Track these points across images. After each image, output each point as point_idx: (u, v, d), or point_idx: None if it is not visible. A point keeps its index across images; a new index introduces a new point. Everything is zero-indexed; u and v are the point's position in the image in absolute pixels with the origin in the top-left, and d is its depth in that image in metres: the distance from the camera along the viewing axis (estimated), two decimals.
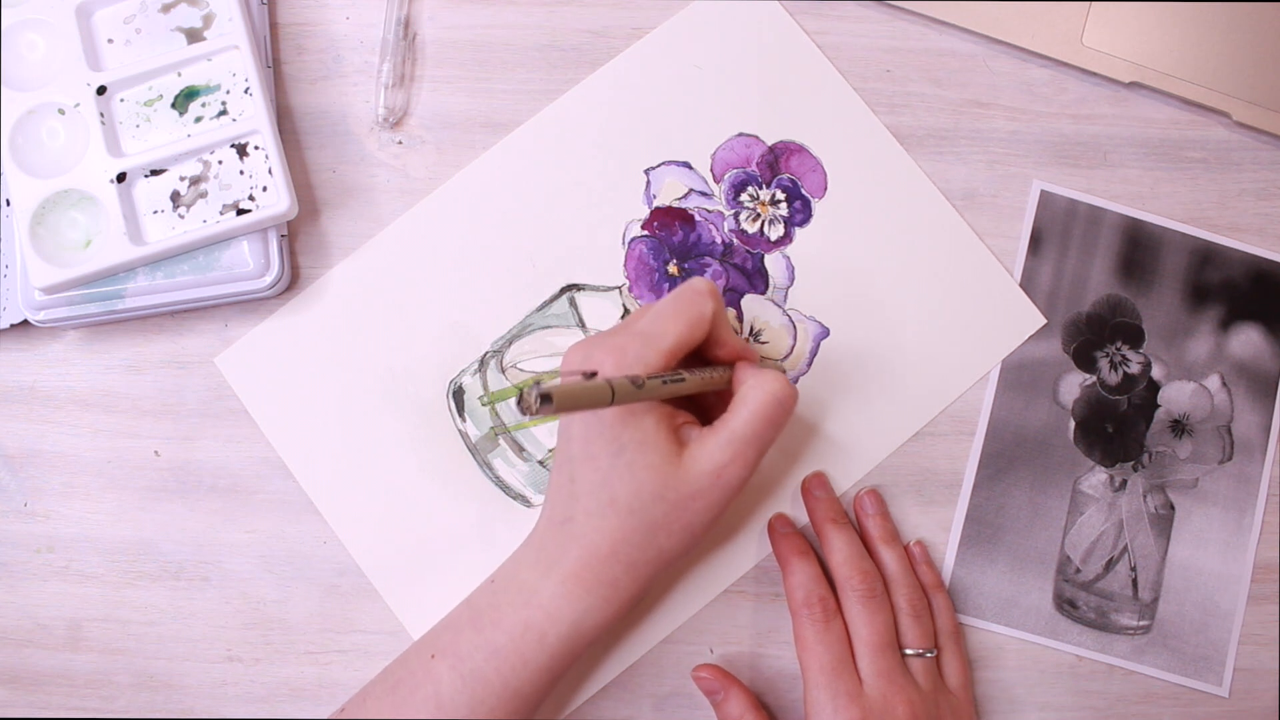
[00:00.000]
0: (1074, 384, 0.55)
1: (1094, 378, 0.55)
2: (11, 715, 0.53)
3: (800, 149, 0.56)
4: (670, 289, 0.55)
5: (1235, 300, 0.56)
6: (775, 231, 0.55)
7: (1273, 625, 0.54)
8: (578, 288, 0.55)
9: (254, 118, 0.53)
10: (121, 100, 0.54)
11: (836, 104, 0.56)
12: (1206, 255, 0.56)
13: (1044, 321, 0.55)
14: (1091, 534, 0.55)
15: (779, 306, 0.55)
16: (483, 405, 0.54)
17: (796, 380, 0.55)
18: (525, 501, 0.54)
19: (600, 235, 0.56)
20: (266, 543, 0.54)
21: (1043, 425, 0.55)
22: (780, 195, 0.56)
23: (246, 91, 0.54)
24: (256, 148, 0.53)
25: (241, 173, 0.53)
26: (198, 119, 0.54)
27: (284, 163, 0.53)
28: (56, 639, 0.54)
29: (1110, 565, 0.54)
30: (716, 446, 0.46)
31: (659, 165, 0.56)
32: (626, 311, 0.55)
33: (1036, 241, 0.56)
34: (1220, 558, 0.55)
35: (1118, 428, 0.55)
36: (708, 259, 0.55)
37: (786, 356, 0.55)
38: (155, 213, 0.53)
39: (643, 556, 0.46)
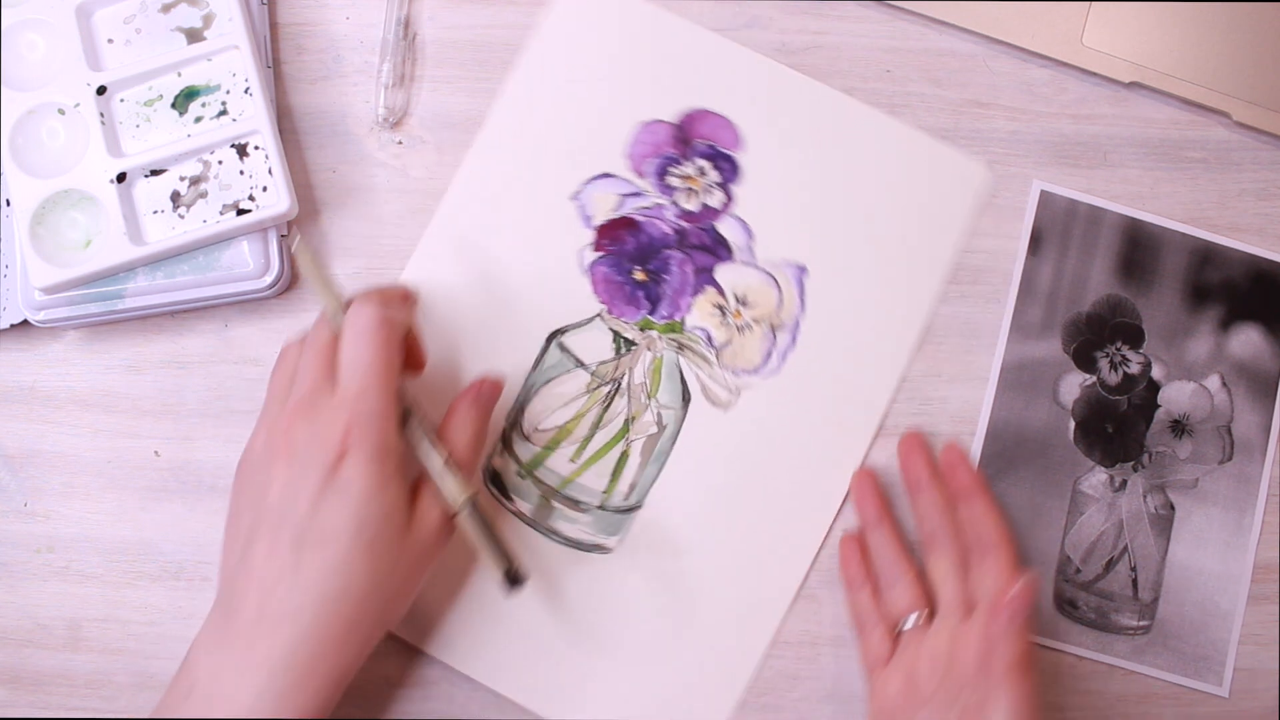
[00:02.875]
0: (1074, 384, 0.55)
1: (1094, 378, 0.55)
2: (11, 715, 0.53)
3: (702, 113, 0.56)
4: (645, 295, 0.54)
5: (1235, 300, 0.56)
6: (714, 199, 0.56)
7: (1273, 625, 0.54)
8: (561, 331, 0.55)
9: (254, 118, 0.53)
10: (121, 100, 0.54)
11: (712, 57, 0.56)
12: (1206, 255, 0.56)
13: (986, 171, 0.56)
14: (1091, 534, 0.55)
15: (751, 265, 0.55)
16: (523, 479, 0.54)
17: (798, 327, 0.55)
18: (602, 550, 0.54)
19: (559, 272, 0.55)
20: None
21: (1043, 425, 0.55)
22: (703, 163, 0.56)
23: (246, 91, 0.54)
24: (256, 148, 0.53)
25: (241, 173, 0.53)
26: (198, 119, 0.54)
27: (284, 163, 0.53)
28: (56, 639, 0.54)
29: (1110, 565, 0.54)
30: (429, 505, 0.46)
31: (581, 188, 0.56)
32: (616, 335, 0.54)
33: (1036, 241, 0.56)
34: (1220, 558, 0.55)
35: (1118, 428, 0.55)
36: (666, 252, 0.55)
37: (780, 308, 0.55)
38: (155, 213, 0.53)
39: (361, 635, 0.45)
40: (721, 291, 0.55)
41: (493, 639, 0.53)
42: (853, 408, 0.55)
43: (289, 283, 0.55)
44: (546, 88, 0.56)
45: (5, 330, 0.54)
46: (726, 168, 0.56)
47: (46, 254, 0.52)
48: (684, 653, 0.53)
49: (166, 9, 0.55)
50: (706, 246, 0.55)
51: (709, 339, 0.55)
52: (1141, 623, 0.54)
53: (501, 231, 0.55)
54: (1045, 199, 0.56)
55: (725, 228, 0.55)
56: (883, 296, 0.55)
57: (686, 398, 0.54)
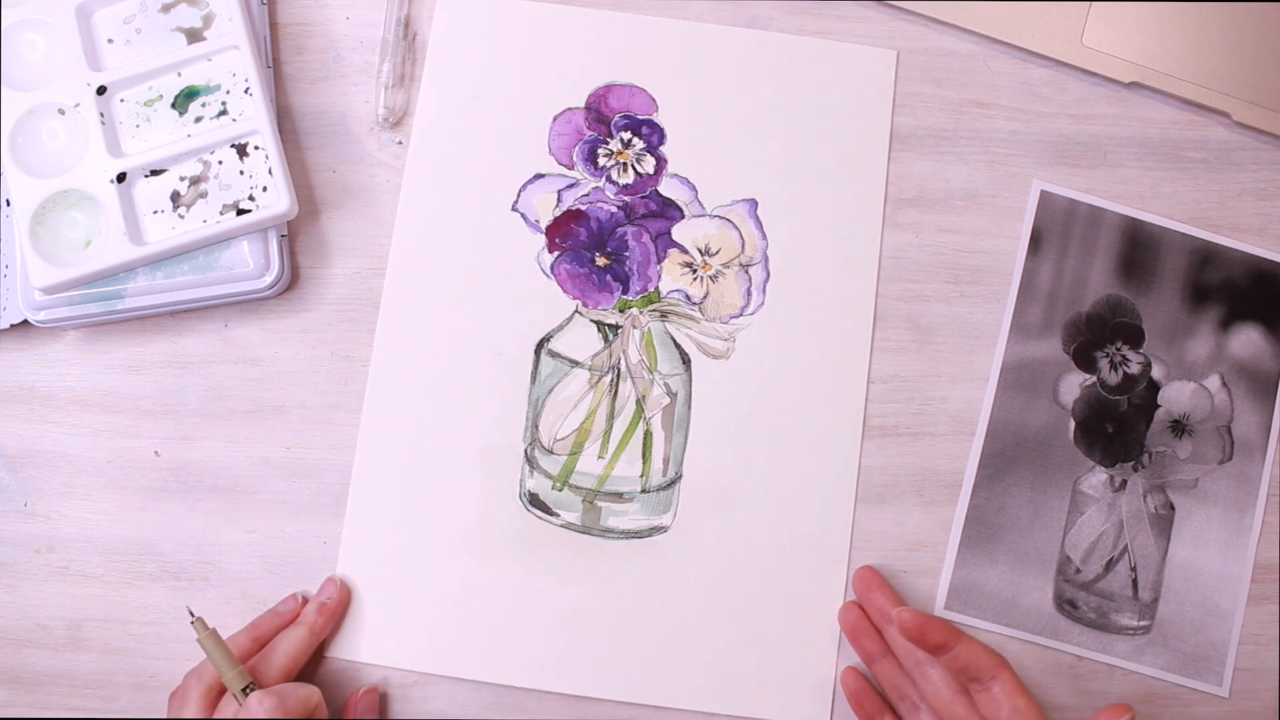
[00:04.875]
0: (1074, 384, 0.55)
1: (1094, 378, 0.55)
2: (11, 715, 0.53)
3: (609, 88, 0.57)
4: (613, 278, 0.55)
5: (1235, 300, 0.56)
6: (647, 165, 0.56)
7: (1273, 625, 0.54)
8: (546, 339, 0.55)
9: (254, 118, 0.53)
10: (121, 100, 0.54)
11: (602, 32, 0.57)
12: (1206, 255, 0.56)
13: (894, 51, 0.57)
14: (1091, 534, 0.55)
15: (704, 215, 0.56)
16: (560, 491, 0.54)
17: (766, 257, 0.55)
18: (661, 529, 0.54)
19: (524, 283, 0.55)
20: (266, 543, 0.54)
21: (1043, 425, 0.55)
22: (626, 135, 0.56)
23: (246, 91, 0.54)
24: (256, 148, 0.53)
25: (241, 173, 0.53)
26: (198, 119, 0.54)
27: (284, 163, 0.53)
28: (56, 639, 0.54)
29: (1110, 565, 0.54)
30: None
31: (518, 196, 0.56)
32: (599, 325, 0.55)
33: (1036, 241, 0.56)
34: (1220, 558, 0.55)
35: (1118, 428, 0.55)
36: (619, 230, 0.55)
37: (744, 246, 0.55)
38: (155, 213, 0.53)
39: None
40: (684, 250, 0.55)
41: (581, 651, 0.53)
42: (845, 303, 0.55)
43: (289, 283, 0.55)
44: (453, 112, 0.56)
45: (5, 330, 0.54)
46: (649, 133, 0.56)
47: (46, 254, 0.52)
48: (764, 605, 0.53)
49: (166, 9, 0.55)
50: (655, 213, 0.55)
51: (687, 298, 0.55)
52: (1141, 623, 0.54)
53: (456, 264, 0.55)
54: (1045, 199, 0.56)
55: (667, 189, 0.56)
56: (836, 198, 0.56)
57: (686, 360, 0.55)
